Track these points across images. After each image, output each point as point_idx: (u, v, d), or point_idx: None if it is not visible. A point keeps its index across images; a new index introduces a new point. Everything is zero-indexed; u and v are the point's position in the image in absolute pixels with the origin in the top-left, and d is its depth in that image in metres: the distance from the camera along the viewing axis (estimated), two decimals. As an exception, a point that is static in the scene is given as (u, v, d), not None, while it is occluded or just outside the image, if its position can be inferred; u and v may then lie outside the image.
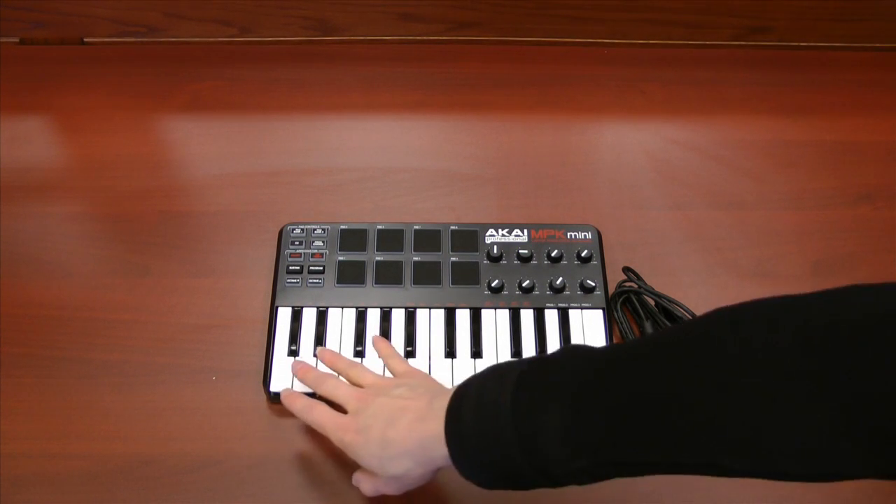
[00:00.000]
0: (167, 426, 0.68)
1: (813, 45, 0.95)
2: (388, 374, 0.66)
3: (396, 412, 0.54)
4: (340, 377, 0.64)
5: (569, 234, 0.76)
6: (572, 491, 0.49)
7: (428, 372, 0.69)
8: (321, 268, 0.74)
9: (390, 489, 0.57)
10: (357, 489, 0.65)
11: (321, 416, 0.60)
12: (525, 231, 0.76)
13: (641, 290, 0.73)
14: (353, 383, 0.62)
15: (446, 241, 0.76)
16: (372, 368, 0.68)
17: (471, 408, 0.50)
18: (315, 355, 0.69)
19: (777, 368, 0.40)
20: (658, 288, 0.73)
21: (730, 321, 0.44)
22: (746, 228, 0.80)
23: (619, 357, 0.48)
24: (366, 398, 0.58)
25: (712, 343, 0.43)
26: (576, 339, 0.71)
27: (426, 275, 0.74)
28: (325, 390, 0.62)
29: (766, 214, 0.81)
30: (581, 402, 0.46)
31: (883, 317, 0.38)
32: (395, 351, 0.68)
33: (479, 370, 0.69)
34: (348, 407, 0.59)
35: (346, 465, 0.66)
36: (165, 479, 0.65)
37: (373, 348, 0.69)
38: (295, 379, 0.67)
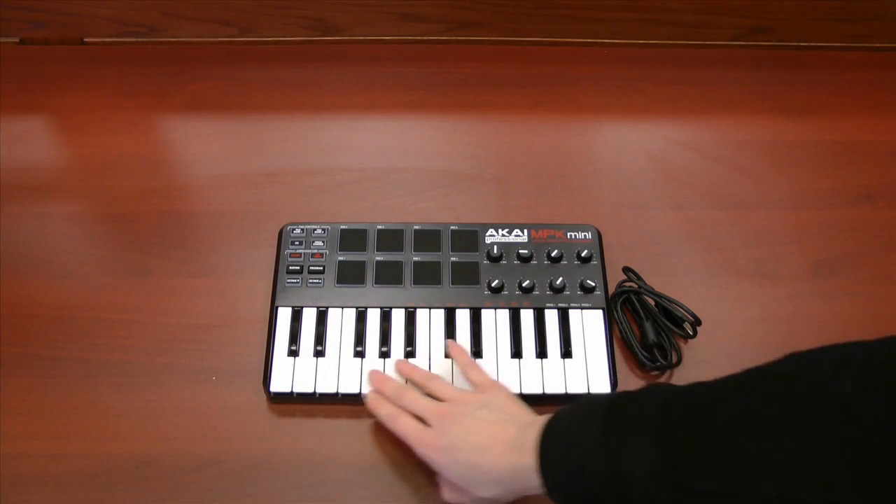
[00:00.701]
0: (167, 426, 0.68)
1: (813, 45, 0.95)
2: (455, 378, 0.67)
3: (486, 439, 0.57)
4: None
5: (569, 234, 0.76)
6: None
7: (428, 372, 0.69)
8: (321, 268, 0.74)
9: None
10: (359, 490, 0.65)
11: (406, 428, 0.62)
12: (525, 231, 0.76)
13: (641, 290, 0.73)
14: (432, 396, 0.64)
15: (446, 241, 0.76)
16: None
17: (562, 441, 0.53)
18: (382, 374, 0.69)
19: (843, 413, 0.43)
20: (658, 288, 0.73)
21: (796, 364, 0.47)
22: (746, 228, 0.80)
23: (698, 395, 0.50)
24: (449, 416, 0.60)
25: (781, 385, 0.47)
26: (576, 338, 0.71)
27: (426, 275, 0.74)
28: (406, 403, 0.64)
29: (766, 214, 0.81)
30: (665, 436, 0.49)
31: None
32: (472, 359, 0.68)
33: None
34: (430, 422, 0.61)
35: (345, 464, 0.66)
36: (165, 479, 0.65)
37: (449, 352, 0.70)
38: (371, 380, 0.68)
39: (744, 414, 0.47)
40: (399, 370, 0.69)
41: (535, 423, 0.56)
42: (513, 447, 0.56)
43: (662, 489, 0.48)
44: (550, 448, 0.53)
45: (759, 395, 0.47)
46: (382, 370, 0.69)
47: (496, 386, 0.64)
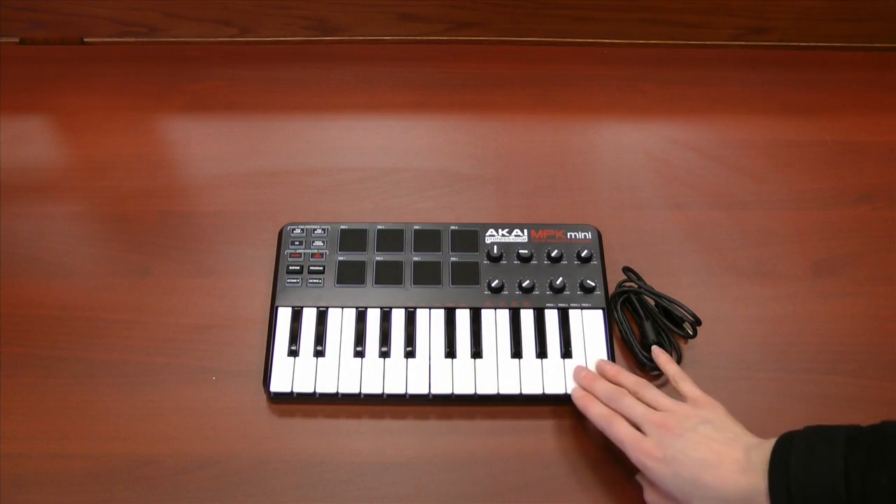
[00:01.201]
0: (167, 426, 0.68)
1: (813, 45, 0.95)
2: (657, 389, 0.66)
3: (712, 456, 0.58)
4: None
5: (569, 234, 0.76)
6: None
7: (427, 372, 0.69)
8: (321, 268, 0.74)
9: None
10: (359, 490, 0.65)
11: (622, 432, 0.62)
12: (525, 231, 0.76)
13: (641, 290, 0.73)
14: (646, 403, 0.64)
15: (446, 241, 0.76)
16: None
17: (800, 468, 0.54)
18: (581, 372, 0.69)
19: None
20: (658, 288, 0.73)
21: None
22: (746, 228, 0.80)
23: None
24: (670, 427, 0.60)
25: None
26: (576, 339, 0.71)
27: (426, 275, 0.74)
28: (622, 407, 0.64)
29: (766, 214, 0.81)
30: None
31: None
32: (683, 372, 0.67)
33: (479, 370, 0.69)
34: (647, 430, 0.61)
35: (345, 464, 0.66)
36: (165, 479, 0.65)
37: (654, 360, 0.70)
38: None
39: None
40: (603, 371, 0.68)
41: (762, 444, 0.58)
42: (741, 467, 0.57)
43: None
44: (785, 469, 0.54)
45: None
46: (382, 371, 0.69)
47: (712, 402, 0.64)
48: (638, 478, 0.65)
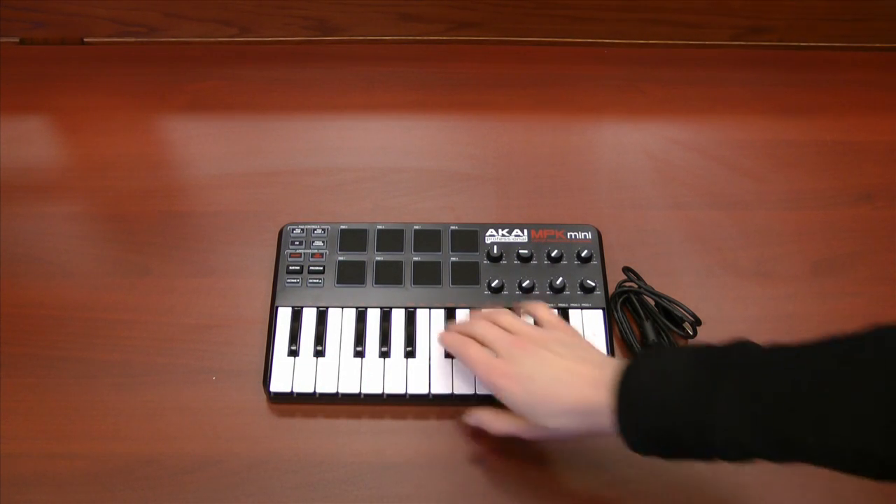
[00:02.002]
0: (167, 426, 0.68)
1: (813, 45, 0.95)
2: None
3: (563, 373, 0.58)
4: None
5: (569, 234, 0.76)
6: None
7: (428, 372, 0.69)
8: (321, 268, 0.74)
9: (531, 435, 0.62)
10: (359, 490, 0.65)
11: (474, 355, 0.62)
12: (525, 231, 0.76)
13: (641, 290, 0.73)
14: (502, 328, 0.64)
15: (446, 241, 0.76)
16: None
17: (645, 381, 0.54)
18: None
19: None
20: (658, 288, 0.73)
21: (874, 336, 0.50)
22: (746, 228, 0.80)
23: (782, 351, 0.52)
24: (522, 346, 0.61)
25: (856, 348, 0.50)
26: (576, 339, 0.71)
27: (426, 275, 0.74)
28: (475, 331, 0.64)
29: (766, 214, 0.81)
30: (749, 384, 0.51)
31: None
32: (543, 303, 0.69)
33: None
34: (501, 350, 0.61)
35: (345, 464, 0.66)
36: (165, 479, 0.65)
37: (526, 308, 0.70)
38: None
39: (827, 372, 0.49)
40: (469, 314, 0.70)
41: (612, 362, 0.58)
42: (591, 382, 0.57)
43: (747, 435, 0.50)
44: (631, 387, 0.54)
45: (841, 357, 0.50)
46: (382, 371, 0.69)
47: (568, 326, 0.65)
48: (467, 417, 0.65)
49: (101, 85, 0.91)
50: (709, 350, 0.55)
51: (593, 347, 0.63)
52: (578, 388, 0.57)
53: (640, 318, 0.73)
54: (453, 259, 0.75)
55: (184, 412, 0.68)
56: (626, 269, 0.75)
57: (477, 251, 0.75)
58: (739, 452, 0.52)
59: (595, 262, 0.75)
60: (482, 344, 0.63)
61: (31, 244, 0.78)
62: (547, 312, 0.67)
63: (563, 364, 0.59)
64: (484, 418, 0.64)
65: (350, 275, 0.74)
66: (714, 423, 0.51)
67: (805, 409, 0.48)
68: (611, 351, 0.71)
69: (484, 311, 0.68)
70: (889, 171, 0.85)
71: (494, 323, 0.65)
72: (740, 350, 0.54)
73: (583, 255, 0.75)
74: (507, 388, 0.59)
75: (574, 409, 0.57)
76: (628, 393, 0.54)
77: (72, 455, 0.66)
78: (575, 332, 0.65)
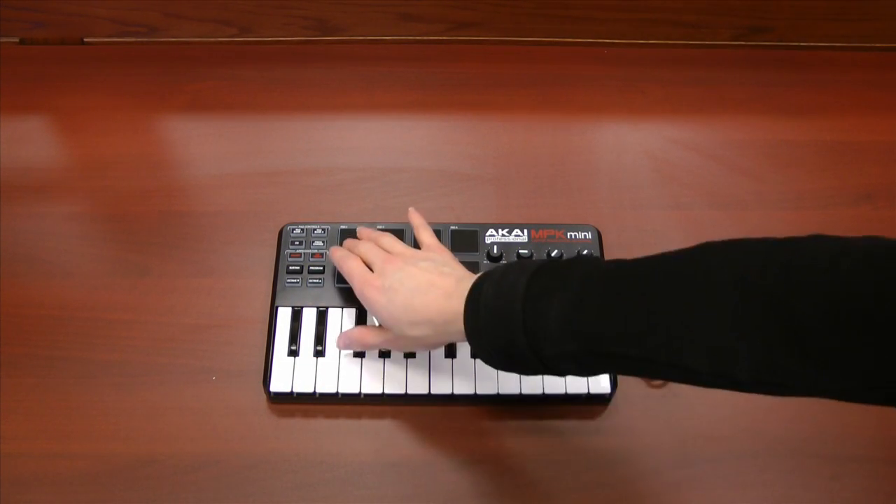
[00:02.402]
0: (167, 426, 0.68)
1: (813, 45, 0.95)
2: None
3: (424, 285, 0.61)
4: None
5: (569, 234, 0.76)
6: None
7: (428, 372, 0.69)
8: (321, 268, 0.74)
9: (397, 346, 0.65)
10: (359, 490, 0.65)
11: (352, 268, 0.66)
12: (525, 231, 0.76)
13: (641, 289, 0.73)
14: (383, 249, 0.67)
15: (446, 241, 0.76)
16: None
17: (489, 291, 0.56)
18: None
19: (739, 292, 0.46)
20: (658, 288, 0.73)
21: (701, 252, 0.50)
22: (746, 228, 0.80)
23: (620, 266, 0.53)
24: (394, 262, 0.64)
25: (688, 266, 0.50)
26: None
27: (426, 275, 0.74)
28: (359, 250, 0.68)
29: (766, 214, 0.81)
30: (581, 294, 0.52)
31: (831, 259, 0.49)
32: (426, 223, 0.72)
33: (479, 370, 0.70)
34: (375, 266, 0.65)
35: (345, 464, 0.66)
36: (165, 479, 0.65)
37: (409, 217, 0.73)
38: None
39: (656, 285, 0.50)
40: (359, 232, 0.73)
41: (471, 276, 0.60)
42: (447, 293, 0.59)
43: (569, 342, 0.51)
44: (477, 295, 0.56)
45: (673, 272, 0.50)
46: (381, 371, 0.69)
47: (444, 249, 0.68)
48: (338, 340, 0.69)
49: (101, 85, 0.91)
50: (553, 262, 0.56)
51: (460, 265, 0.65)
52: (434, 298, 0.60)
53: (640, 318, 0.72)
54: (453, 259, 0.75)
55: (184, 412, 0.68)
56: (626, 269, 0.75)
57: (477, 251, 0.75)
58: (566, 361, 0.53)
59: (595, 262, 0.75)
60: (364, 262, 0.66)
61: (31, 244, 0.78)
62: (428, 237, 0.70)
63: (426, 277, 0.61)
64: (354, 335, 0.67)
65: (350, 275, 0.74)
66: (543, 334, 0.52)
67: (630, 324, 0.49)
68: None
69: (371, 231, 0.72)
70: (889, 171, 0.85)
71: (376, 243, 0.68)
72: (582, 263, 0.55)
73: (583, 255, 0.74)
74: (374, 299, 0.62)
75: (432, 318, 0.59)
76: (475, 302, 0.56)
77: (72, 455, 0.66)
78: (447, 253, 0.68)
